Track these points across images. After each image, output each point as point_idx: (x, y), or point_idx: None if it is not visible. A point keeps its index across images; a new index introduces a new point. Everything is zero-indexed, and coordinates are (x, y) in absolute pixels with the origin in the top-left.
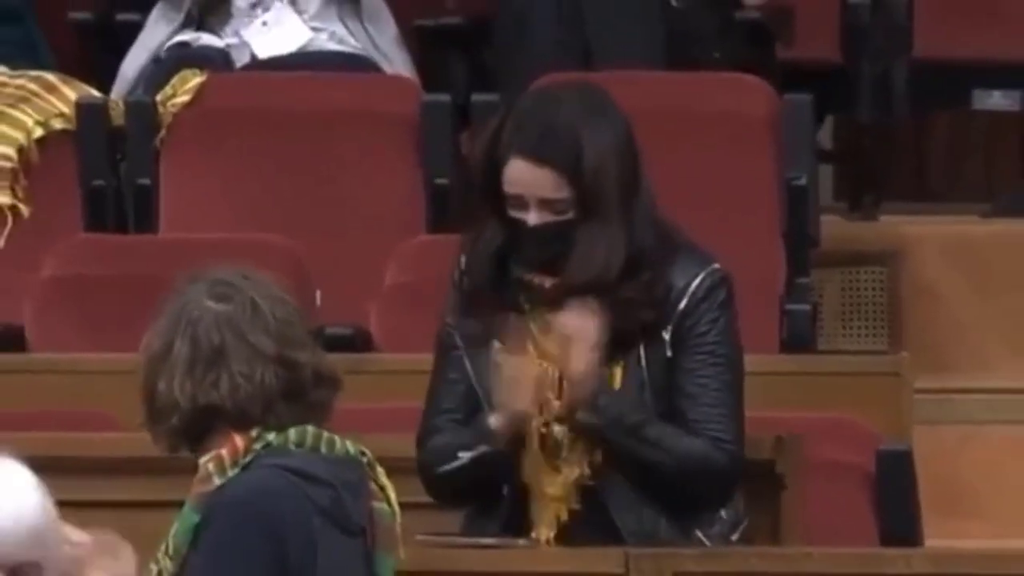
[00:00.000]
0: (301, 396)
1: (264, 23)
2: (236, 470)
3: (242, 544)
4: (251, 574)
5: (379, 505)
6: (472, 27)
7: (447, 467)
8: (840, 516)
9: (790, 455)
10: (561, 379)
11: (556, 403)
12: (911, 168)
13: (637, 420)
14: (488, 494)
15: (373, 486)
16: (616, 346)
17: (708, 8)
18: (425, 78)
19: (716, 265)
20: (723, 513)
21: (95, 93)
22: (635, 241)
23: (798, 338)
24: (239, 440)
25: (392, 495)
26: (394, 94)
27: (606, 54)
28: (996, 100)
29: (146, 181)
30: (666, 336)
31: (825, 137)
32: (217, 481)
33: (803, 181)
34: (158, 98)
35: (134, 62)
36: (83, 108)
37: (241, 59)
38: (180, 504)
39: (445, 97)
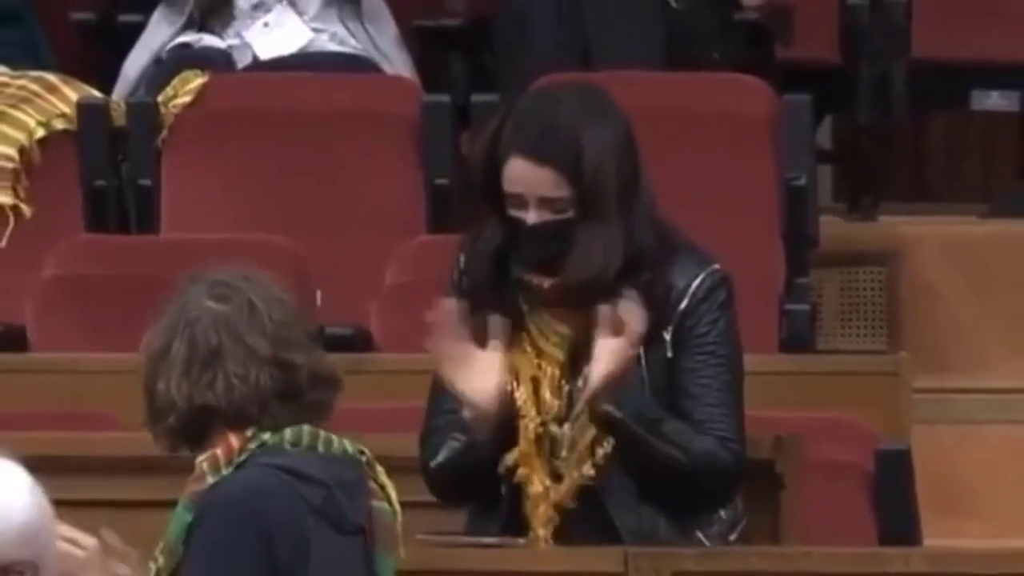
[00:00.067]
0: (297, 397)
1: (265, 24)
2: (230, 469)
3: (235, 543)
4: (244, 572)
5: (379, 504)
6: (472, 28)
7: (436, 461)
8: (839, 515)
9: (789, 455)
10: (561, 379)
11: (556, 403)
12: (910, 168)
13: (656, 415)
14: (487, 492)
15: (373, 485)
16: None
17: (707, 8)
18: (425, 78)
19: (716, 265)
20: (722, 513)
21: (96, 94)
22: (635, 241)
23: (797, 338)
24: (234, 440)
25: (392, 494)
26: (394, 94)
27: (606, 54)
28: (994, 101)
29: (147, 182)
30: (667, 336)
31: (824, 137)
32: (211, 480)
33: (802, 181)
34: (160, 99)
35: (136, 63)
36: (84, 108)
37: (243, 60)
38: None
39: (445, 97)
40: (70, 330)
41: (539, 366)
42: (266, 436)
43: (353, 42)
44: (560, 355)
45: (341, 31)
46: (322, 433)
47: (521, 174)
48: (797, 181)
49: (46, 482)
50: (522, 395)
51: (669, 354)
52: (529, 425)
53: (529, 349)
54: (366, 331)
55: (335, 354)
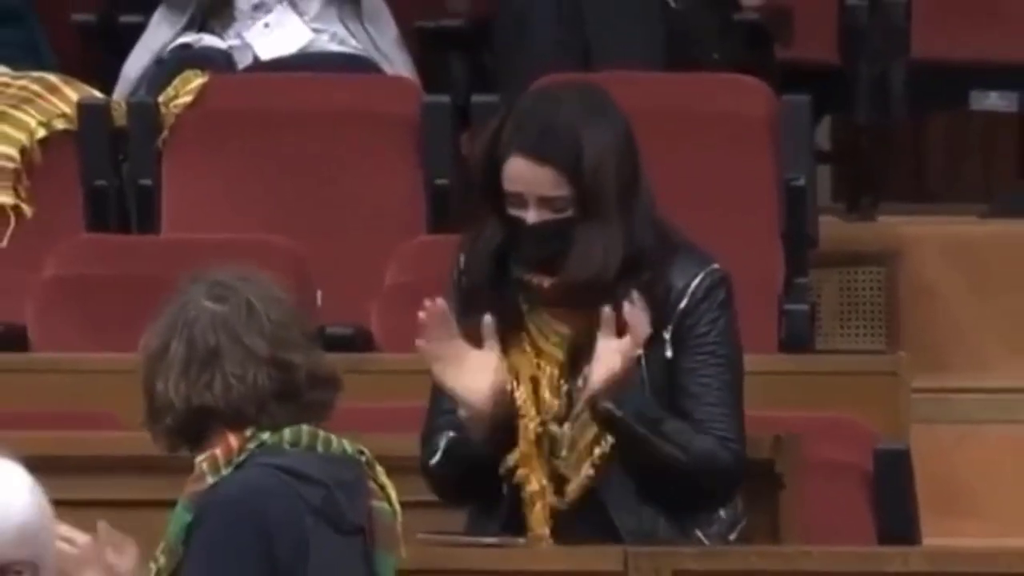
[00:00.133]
0: (295, 397)
1: (266, 25)
2: (229, 469)
3: (234, 543)
4: (243, 572)
5: (378, 504)
6: (472, 28)
7: (434, 460)
8: (838, 515)
9: (788, 454)
10: (560, 379)
11: (556, 403)
12: (909, 169)
13: (657, 414)
14: (487, 492)
15: (373, 485)
16: None
17: (707, 9)
18: (425, 79)
19: (715, 265)
20: (721, 512)
21: (97, 94)
22: (634, 241)
23: (796, 338)
24: (234, 440)
25: (392, 494)
26: (395, 95)
27: (606, 54)
28: (993, 101)
29: (148, 182)
30: (666, 336)
31: (823, 138)
32: (210, 480)
33: (801, 182)
34: (160, 99)
35: (136, 63)
36: (85, 109)
37: (243, 60)
38: None
39: (445, 98)
40: (71, 330)
41: (539, 366)
42: (265, 436)
43: (353, 42)
44: (560, 355)
45: (341, 31)
46: (321, 433)
47: (521, 173)
48: (796, 181)
49: (47, 482)
50: (522, 395)
51: (669, 354)
52: (529, 425)
53: (529, 349)
54: (366, 331)
55: (335, 354)
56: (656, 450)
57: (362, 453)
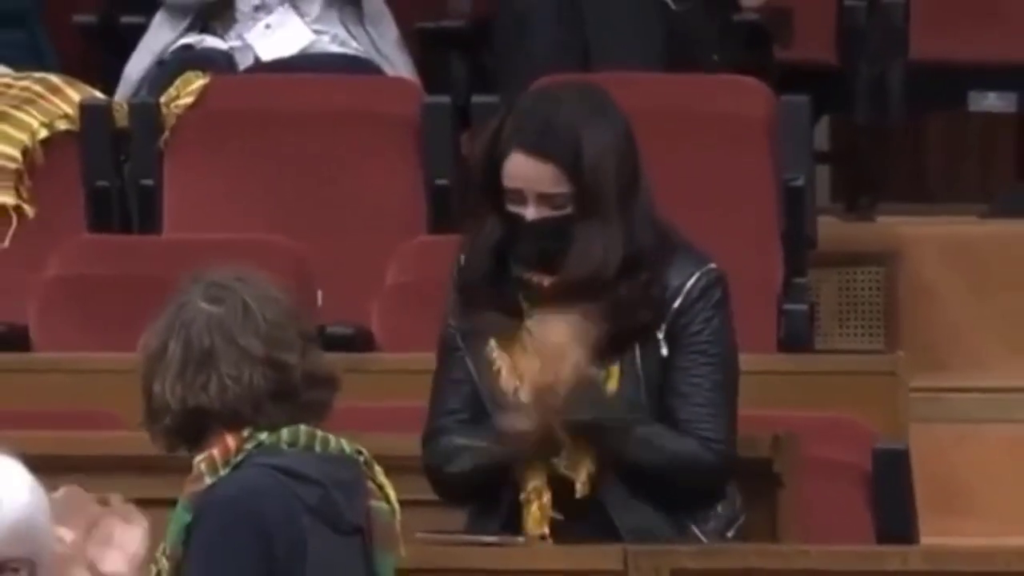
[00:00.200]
0: (291, 397)
1: (267, 26)
2: (227, 469)
3: (232, 543)
4: (241, 572)
5: (377, 504)
6: (472, 29)
7: (456, 468)
8: (837, 514)
9: (787, 454)
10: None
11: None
12: (908, 169)
13: (627, 420)
14: (493, 493)
15: (371, 485)
16: (613, 346)
17: (707, 10)
18: (426, 80)
19: (712, 265)
20: (719, 508)
21: (99, 95)
22: (634, 240)
23: (795, 338)
24: (231, 440)
25: (391, 493)
26: (395, 96)
27: (606, 55)
28: (992, 102)
29: (149, 182)
30: (661, 335)
31: (822, 138)
32: (208, 480)
33: (800, 182)
34: (162, 100)
35: (138, 64)
36: (87, 109)
37: (244, 61)
38: None
39: (446, 99)
40: (72, 330)
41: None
42: (263, 436)
43: (354, 44)
44: None
45: (342, 33)
46: (319, 433)
47: (521, 169)
48: (795, 181)
49: (48, 482)
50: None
51: (664, 353)
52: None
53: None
54: (367, 331)
55: (335, 354)
56: (630, 455)
57: (360, 453)
